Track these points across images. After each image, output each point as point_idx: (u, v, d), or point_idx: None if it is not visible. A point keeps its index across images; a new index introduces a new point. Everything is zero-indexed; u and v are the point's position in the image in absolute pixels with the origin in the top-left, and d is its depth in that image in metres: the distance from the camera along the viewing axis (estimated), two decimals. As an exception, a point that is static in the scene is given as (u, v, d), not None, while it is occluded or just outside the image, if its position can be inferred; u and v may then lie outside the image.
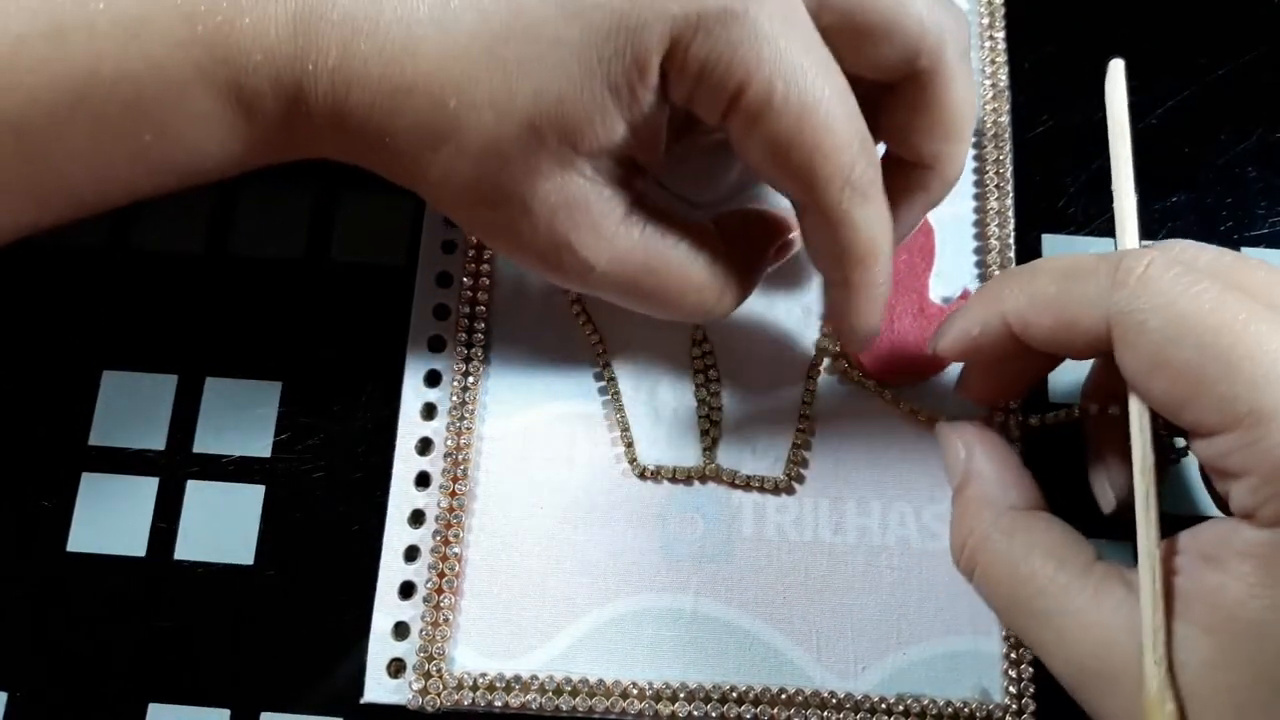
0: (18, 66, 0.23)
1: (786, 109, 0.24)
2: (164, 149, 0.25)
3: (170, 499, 0.31)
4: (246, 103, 0.25)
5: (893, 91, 0.28)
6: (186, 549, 0.31)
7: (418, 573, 0.30)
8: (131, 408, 0.32)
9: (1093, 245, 0.34)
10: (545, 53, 0.24)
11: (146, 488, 0.31)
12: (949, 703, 0.29)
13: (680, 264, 0.28)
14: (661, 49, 0.24)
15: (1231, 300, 0.22)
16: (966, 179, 0.34)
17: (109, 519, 0.31)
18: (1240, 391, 0.22)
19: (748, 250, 0.30)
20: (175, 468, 0.32)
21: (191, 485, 0.31)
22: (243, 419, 0.32)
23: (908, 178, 0.29)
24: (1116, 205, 0.27)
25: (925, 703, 0.29)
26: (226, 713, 0.30)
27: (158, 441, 0.32)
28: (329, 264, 0.33)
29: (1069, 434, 0.30)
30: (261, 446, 0.32)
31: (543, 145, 0.25)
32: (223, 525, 0.31)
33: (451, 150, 0.25)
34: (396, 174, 0.26)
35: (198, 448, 0.32)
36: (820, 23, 0.26)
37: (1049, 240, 0.34)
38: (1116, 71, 0.27)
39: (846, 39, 0.26)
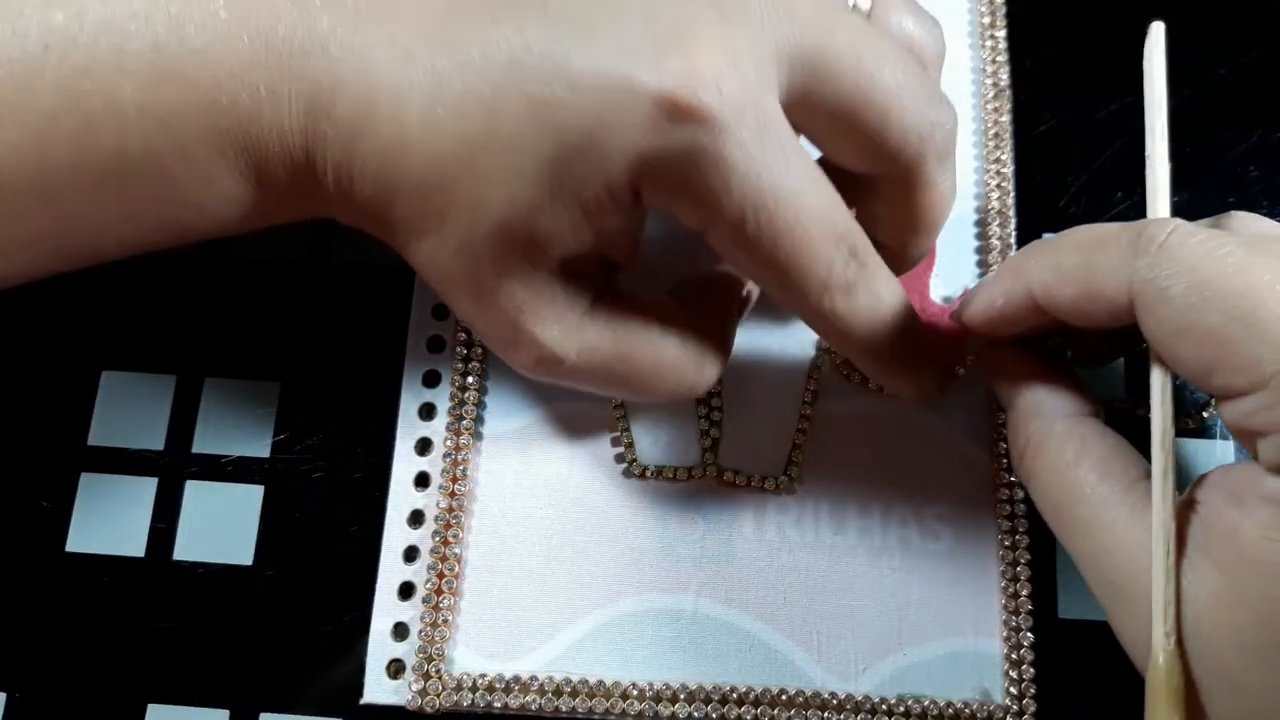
0: (48, 141, 0.24)
1: (759, 236, 0.25)
2: (188, 217, 0.26)
3: (169, 499, 0.31)
4: (266, 183, 0.26)
5: (868, 179, 0.28)
6: (185, 549, 0.31)
7: (417, 573, 0.30)
8: (130, 408, 0.32)
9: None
10: (520, 163, 0.24)
11: (145, 488, 0.31)
12: (950, 704, 0.29)
13: (651, 345, 0.28)
14: (629, 177, 0.25)
15: (1257, 263, 0.22)
16: (967, 179, 0.34)
17: (108, 519, 0.31)
18: (1265, 353, 0.22)
19: (713, 314, 0.30)
20: (174, 468, 0.32)
21: (190, 485, 0.31)
22: (242, 419, 0.32)
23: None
24: (1149, 174, 0.26)
25: (926, 704, 0.29)
26: (225, 713, 0.30)
27: (157, 442, 0.32)
28: (328, 264, 0.33)
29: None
30: (260, 447, 0.32)
31: (514, 247, 0.25)
32: (222, 525, 0.31)
33: (433, 242, 0.26)
34: (395, 248, 0.27)
35: (197, 448, 0.32)
36: (802, 122, 0.26)
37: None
38: (1156, 35, 0.27)
39: (826, 138, 0.27)
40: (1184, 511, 0.24)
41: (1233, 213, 0.26)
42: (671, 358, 0.28)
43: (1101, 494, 0.25)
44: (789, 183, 0.25)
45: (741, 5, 0.25)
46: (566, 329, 0.27)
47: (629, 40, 0.24)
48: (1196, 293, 0.23)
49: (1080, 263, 0.25)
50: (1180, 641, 0.23)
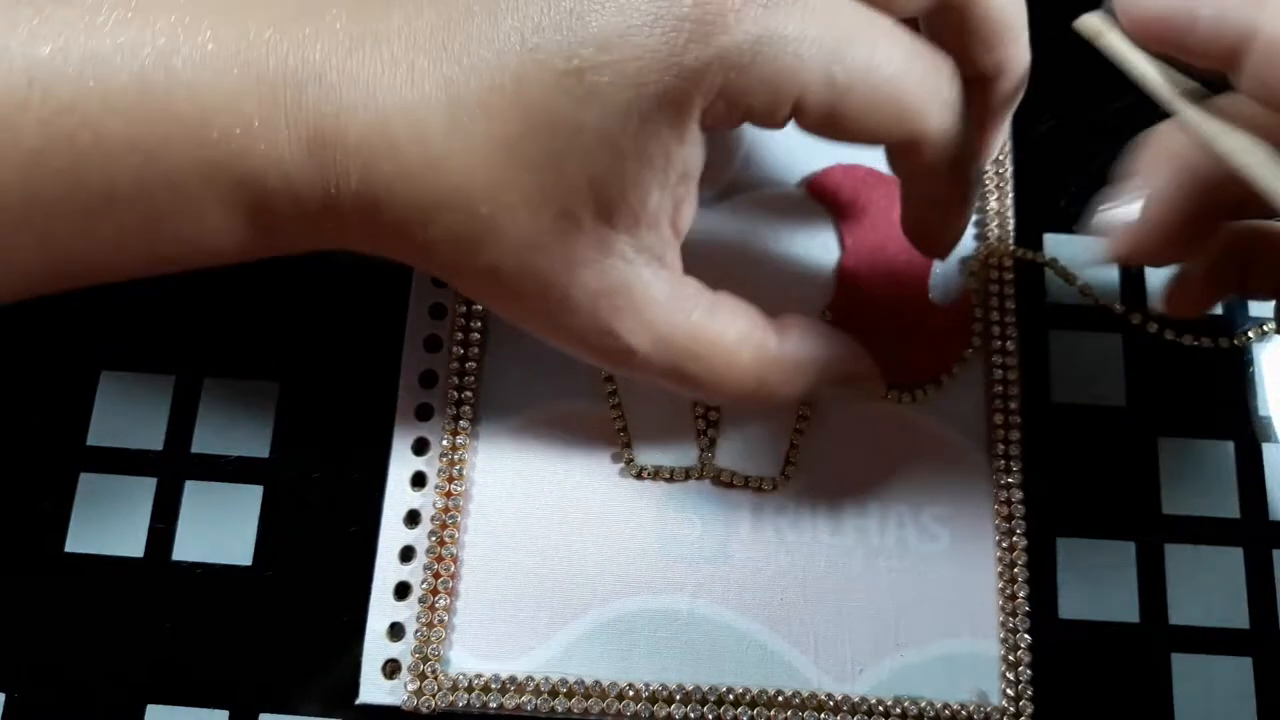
0: (35, 176, 0.24)
1: (850, 85, 0.24)
2: (180, 251, 0.26)
3: (168, 499, 0.31)
4: (266, 219, 0.25)
5: (932, 16, 0.27)
6: (185, 549, 0.31)
7: (413, 573, 0.30)
8: (129, 408, 0.32)
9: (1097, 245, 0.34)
10: (567, 143, 0.24)
11: (145, 488, 0.31)
12: (946, 705, 0.29)
13: (727, 349, 0.27)
14: (696, 106, 0.24)
15: None
16: (966, 178, 0.34)
17: (107, 519, 0.31)
18: None
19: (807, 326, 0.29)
20: (173, 468, 0.32)
21: (190, 486, 0.31)
22: (241, 419, 0.32)
23: (975, 94, 0.28)
24: None
25: (922, 705, 0.29)
26: (225, 714, 0.30)
27: (156, 442, 0.32)
28: (326, 264, 0.33)
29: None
30: (260, 447, 0.32)
31: (580, 230, 0.25)
32: (221, 526, 0.31)
33: (491, 253, 0.25)
34: (436, 273, 0.26)
35: (196, 448, 0.32)
36: None
37: (1051, 240, 0.34)
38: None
39: None
40: None
41: None
42: (742, 365, 0.27)
43: None
44: (849, 26, 0.24)
45: None
46: (642, 319, 0.26)
47: None
48: None
49: None
50: None
